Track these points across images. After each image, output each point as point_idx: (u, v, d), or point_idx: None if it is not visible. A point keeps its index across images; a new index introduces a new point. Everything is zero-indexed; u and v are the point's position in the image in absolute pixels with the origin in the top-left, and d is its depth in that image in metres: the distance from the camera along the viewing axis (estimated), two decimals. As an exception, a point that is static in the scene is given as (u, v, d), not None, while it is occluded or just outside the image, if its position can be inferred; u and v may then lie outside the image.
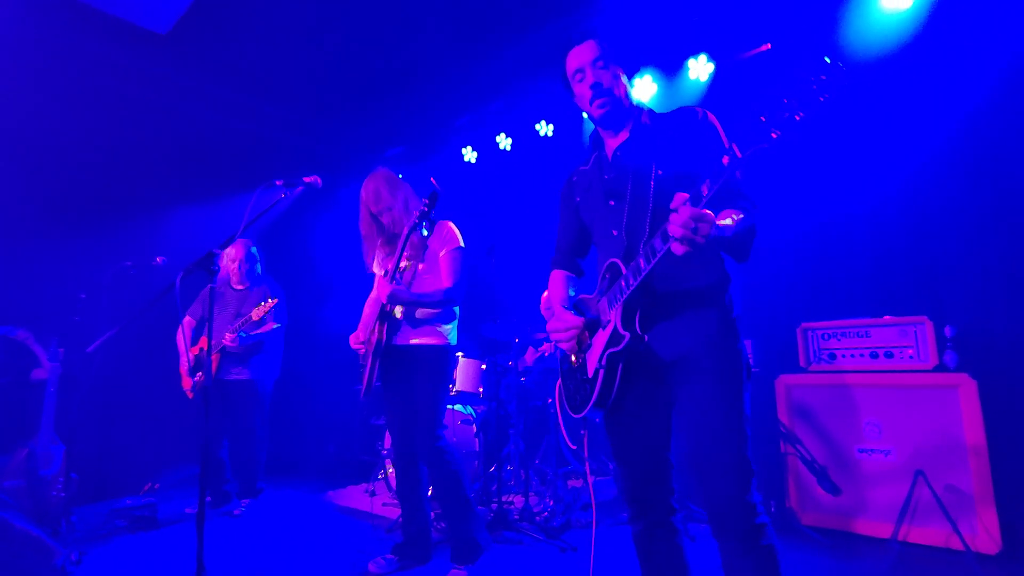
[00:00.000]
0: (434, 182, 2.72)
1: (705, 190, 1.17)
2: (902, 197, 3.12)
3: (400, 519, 2.64)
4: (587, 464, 1.73)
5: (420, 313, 2.52)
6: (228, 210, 4.80)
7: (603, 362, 1.43)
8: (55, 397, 3.29)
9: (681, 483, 1.57)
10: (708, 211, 1.17)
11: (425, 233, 2.44)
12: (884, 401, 2.75)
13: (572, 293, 1.75)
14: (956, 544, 2.40)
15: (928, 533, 2.53)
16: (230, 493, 3.68)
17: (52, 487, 3.16)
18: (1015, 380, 2.70)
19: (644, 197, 1.45)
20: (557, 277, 1.80)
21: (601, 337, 1.47)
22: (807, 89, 1.05)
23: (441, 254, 2.54)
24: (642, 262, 1.33)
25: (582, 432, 1.66)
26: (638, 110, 1.59)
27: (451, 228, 2.61)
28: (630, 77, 1.58)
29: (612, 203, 1.54)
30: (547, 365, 4.04)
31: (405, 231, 2.40)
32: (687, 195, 1.19)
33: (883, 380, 2.77)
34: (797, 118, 1.06)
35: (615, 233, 1.51)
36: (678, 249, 1.19)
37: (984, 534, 2.41)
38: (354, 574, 2.55)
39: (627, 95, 1.56)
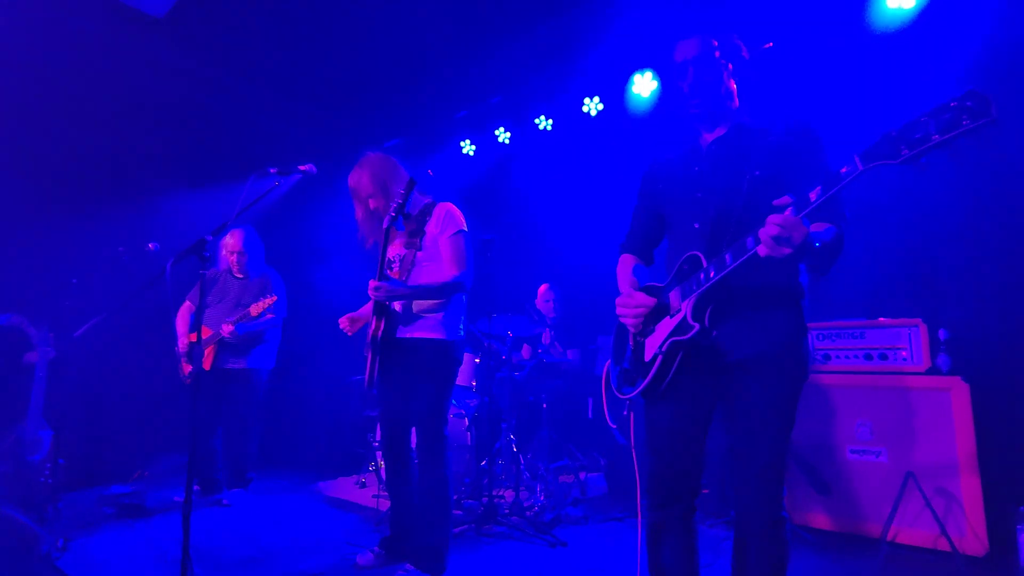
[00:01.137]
0: (431, 173, 2.68)
1: (814, 196, 1.16)
2: (897, 199, 3.12)
3: (389, 512, 2.60)
4: (632, 440, 1.70)
5: (418, 305, 2.40)
6: (224, 197, 4.75)
7: (664, 348, 1.44)
8: (44, 382, 3.26)
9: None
10: (804, 223, 1.18)
11: (405, 228, 2.35)
12: (877, 402, 2.75)
13: (639, 278, 1.73)
14: (944, 546, 2.40)
15: (917, 534, 2.54)
16: (220, 482, 3.67)
17: (39, 473, 3.13)
18: (1007, 384, 2.71)
19: (735, 195, 1.44)
20: (626, 261, 1.77)
21: (666, 324, 1.48)
22: (950, 113, 0.99)
23: (442, 239, 2.41)
24: (728, 258, 1.32)
25: (625, 413, 1.66)
26: (740, 108, 1.57)
27: (451, 210, 2.46)
28: (734, 74, 1.56)
29: (699, 195, 1.52)
30: (540, 360, 4.04)
31: (384, 224, 2.28)
32: (791, 199, 1.19)
33: (876, 382, 2.77)
34: (934, 139, 1.00)
35: (696, 226, 1.50)
36: (764, 252, 1.20)
37: (972, 536, 2.42)
38: (343, 567, 2.54)
39: (728, 94, 1.54)
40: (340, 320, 2.52)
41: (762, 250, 1.21)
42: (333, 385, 5.04)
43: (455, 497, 3.34)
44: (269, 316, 3.66)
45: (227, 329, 3.46)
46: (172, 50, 4.34)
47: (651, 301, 1.52)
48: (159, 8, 3.89)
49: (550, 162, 4.88)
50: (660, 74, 4.15)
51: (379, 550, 2.53)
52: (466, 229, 2.46)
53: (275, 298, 3.46)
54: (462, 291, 2.43)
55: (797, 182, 1.25)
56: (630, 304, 1.55)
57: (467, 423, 3.61)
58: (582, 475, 3.77)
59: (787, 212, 1.19)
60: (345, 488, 3.99)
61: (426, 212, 2.48)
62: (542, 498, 3.33)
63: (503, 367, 3.76)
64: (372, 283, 2.25)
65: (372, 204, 2.47)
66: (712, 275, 1.36)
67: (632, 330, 1.59)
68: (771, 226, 1.18)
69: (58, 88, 4.04)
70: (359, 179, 2.47)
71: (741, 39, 1.61)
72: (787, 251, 1.18)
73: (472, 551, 2.73)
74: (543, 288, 4.51)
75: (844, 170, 1.12)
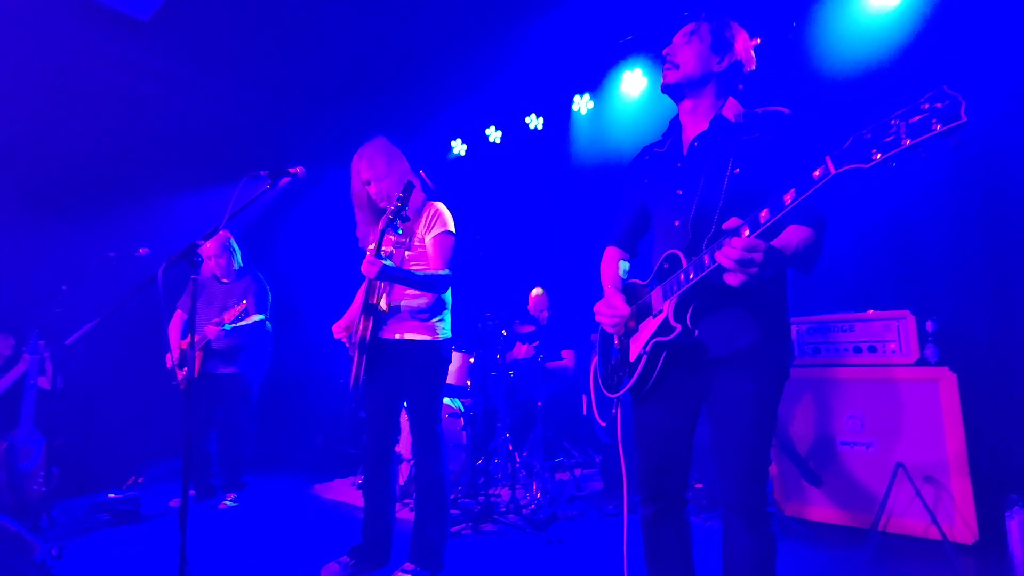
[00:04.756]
0: (423, 175, 2.68)
1: (788, 199, 1.15)
2: (886, 193, 3.15)
3: (363, 518, 2.48)
4: (619, 437, 1.70)
5: (406, 306, 2.38)
6: (213, 200, 4.73)
7: (647, 349, 1.44)
8: (35, 390, 3.24)
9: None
10: (762, 242, 1.18)
11: (400, 232, 2.33)
12: (866, 394, 2.78)
13: (624, 274, 1.73)
14: (934, 534, 2.44)
15: (907, 524, 2.58)
16: (215, 487, 3.66)
17: (32, 481, 3.12)
18: (993, 374, 2.76)
19: (716, 193, 1.42)
20: (611, 255, 1.76)
21: (650, 324, 1.47)
22: (921, 115, 0.94)
23: (428, 238, 2.41)
24: (707, 259, 1.31)
25: (614, 411, 1.67)
26: (724, 105, 1.55)
27: (439, 210, 2.44)
28: (722, 66, 1.55)
29: (680, 192, 1.51)
30: (535, 359, 4.05)
31: (380, 226, 2.25)
32: (740, 220, 1.20)
33: (866, 374, 2.80)
34: (905, 143, 0.96)
35: (677, 223, 1.48)
36: (732, 280, 1.22)
37: (961, 524, 2.46)
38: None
39: (706, 77, 1.53)
40: (334, 331, 2.49)
41: (730, 278, 1.22)
42: (327, 387, 5.04)
43: (452, 496, 3.34)
44: (253, 316, 3.62)
45: (212, 331, 3.44)
46: (158, 53, 4.32)
47: (627, 311, 1.52)
48: (144, 11, 3.86)
49: (541, 160, 4.89)
50: (650, 72, 4.16)
51: (347, 559, 2.40)
52: (453, 231, 2.43)
53: (244, 304, 3.45)
54: (444, 289, 2.40)
55: (777, 182, 1.23)
56: (607, 312, 1.56)
57: (462, 423, 3.62)
58: (577, 472, 3.79)
59: (744, 233, 1.18)
60: (341, 490, 3.99)
61: (417, 212, 2.47)
62: (538, 496, 3.34)
63: (497, 366, 3.76)
64: (367, 259, 2.18)
65: (372, 189, 2.42)
66: (692, 276, 1.35)
67: (614, 335, 1.59)
68: (728, 248, 1.17)
69: (44, 93, 4.00)
70: (371, 158, 2.43)
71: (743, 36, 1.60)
72: (753, 270, 1.18)
73: (469, 549, 2.74)
74: (535, 295, 4.48)
75: (817, 173, 1.10)
